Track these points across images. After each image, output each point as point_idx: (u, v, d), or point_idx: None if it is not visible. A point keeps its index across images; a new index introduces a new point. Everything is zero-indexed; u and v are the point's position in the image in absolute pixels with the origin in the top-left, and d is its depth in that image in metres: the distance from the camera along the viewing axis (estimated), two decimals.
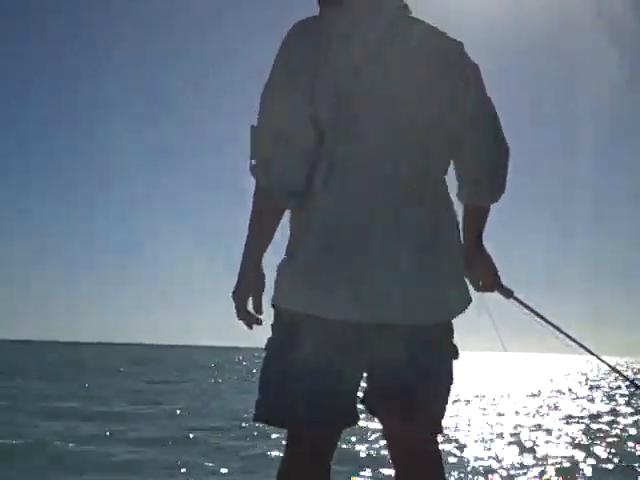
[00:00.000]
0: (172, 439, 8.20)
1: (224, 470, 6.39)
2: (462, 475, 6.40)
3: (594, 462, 7.27)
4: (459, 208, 1.87)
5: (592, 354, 2.25)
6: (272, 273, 1.76)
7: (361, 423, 1.79)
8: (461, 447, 8.00)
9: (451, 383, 1.78)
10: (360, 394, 1.76)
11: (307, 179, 1.70)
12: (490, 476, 6.44)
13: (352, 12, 1.72)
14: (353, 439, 7.94)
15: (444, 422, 1.78)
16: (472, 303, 1.81)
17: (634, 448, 8.48)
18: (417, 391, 1.70)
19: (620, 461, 7.34)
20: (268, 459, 6.59)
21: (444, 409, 1.78)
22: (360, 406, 1.75)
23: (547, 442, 8.81)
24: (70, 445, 7.40)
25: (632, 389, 21.10)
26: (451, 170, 1.84)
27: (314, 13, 1.78)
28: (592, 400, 17.42)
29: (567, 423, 11.24)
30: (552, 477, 6.51)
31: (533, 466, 7.00)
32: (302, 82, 1.68)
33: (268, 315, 1.78)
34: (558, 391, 21.00)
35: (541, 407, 14.57)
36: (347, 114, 1.68)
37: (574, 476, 6.55)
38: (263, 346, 1.77)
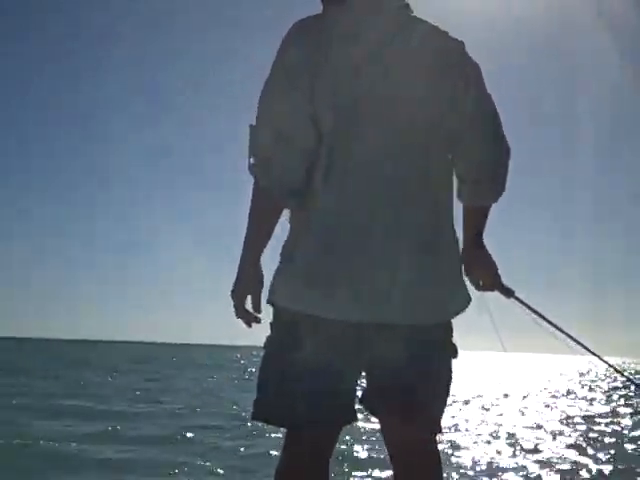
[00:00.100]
0: (171, 438, 8.20)
1: (223, 469, 6.38)
2: (460, 476, 6.39)
3: (593, 463, 7.27)
4: (459, 208, 1.86)
5: (593, 354, 2.24)
6: (271, 272, 1.76)
7: (359, 423, 1.78)
8: (459, 447, 7.99)
9: (450, 382, 1.78)
10: (358, 393, 1.76)
11: (307, 178, 1.70)
12: (488, 477, 6.43)
13: (354, 11, 1.71)
14: (352, 439, 7.94)
15: (443, 422, 1.79)
16: (472, 303, 1.81)
17: (635, 450, 8.47)
18: (417, 391, 1.71)
19: (617, 462, 7.34)
20: (267, 458, 6.58)
21: (443, 409, 1.79)
22: (358, 405, 1.75)
23: (546, 443, 8.81)
24: (68, 444, 7.39)
25: (631, 386, 21.11)
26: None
27: (314, 13, 1.77)
28: (592, 400, 17.43)
29: (566, 424, 11.23)
30: (551, 478, 6.50)
31: (531, 467, 7.00)
32: (302, 82, 1.67)
33: (267, 314, 1.78)
34: (557, 391, 21.00)
35: (540, 407, 14.57)
36: (347, 114, 1.67)
37: (573, 477, 6.54)
38: (262, 344, 1.76)
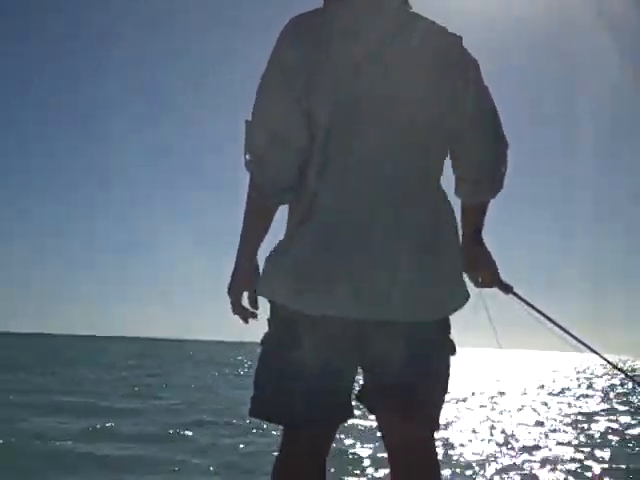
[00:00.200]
0: (170, 435, 8.19)
1: (221, 467, 6.37)
2: (456, 474, 6.39)
3: (592, 461, 7.27)
4: (457, 205, 1.86)
5: (591, 350, 2.25)
6: None
7: (356, 421, 1.78)
8: (455, 445, 7.99)
9: (448, 380, 1.78)
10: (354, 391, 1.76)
11: (299, 174, 1.69)
12: (483, 475, 6.44)
13: (354, 8, 1.70)
14: (349, 437, 7.93)
15: (440, 419, 1.79)
16: (470, 299, 1.81)
17: (633, 449, 8.48)
18: (417, 390, 1.71)
19: (615, 460, 7.34)
20: (265, 455, 6.58)
21: (442, 406, 1.79)
22: (354, 402, 1.75)
23: (543, 440, 8.81)
24: (65, 442, 7.37)
25: (629, 384, 21.16)
26: (448, 168, 1.83)
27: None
28: (589, 398, 17.44)
29: (563, 422, 11.24)
30: (549, 476, 6.51)
31: (528, 465, 7.00)
32: (298, 80, 1.66)
33: (264, 309, 1.77)
34: (554, 389, 21.02)
35: (537, 405, 14.58)
36: (347, 111, 1.67)
37: (571, 476, 6.54)
38: (259, 341, 1.76)
